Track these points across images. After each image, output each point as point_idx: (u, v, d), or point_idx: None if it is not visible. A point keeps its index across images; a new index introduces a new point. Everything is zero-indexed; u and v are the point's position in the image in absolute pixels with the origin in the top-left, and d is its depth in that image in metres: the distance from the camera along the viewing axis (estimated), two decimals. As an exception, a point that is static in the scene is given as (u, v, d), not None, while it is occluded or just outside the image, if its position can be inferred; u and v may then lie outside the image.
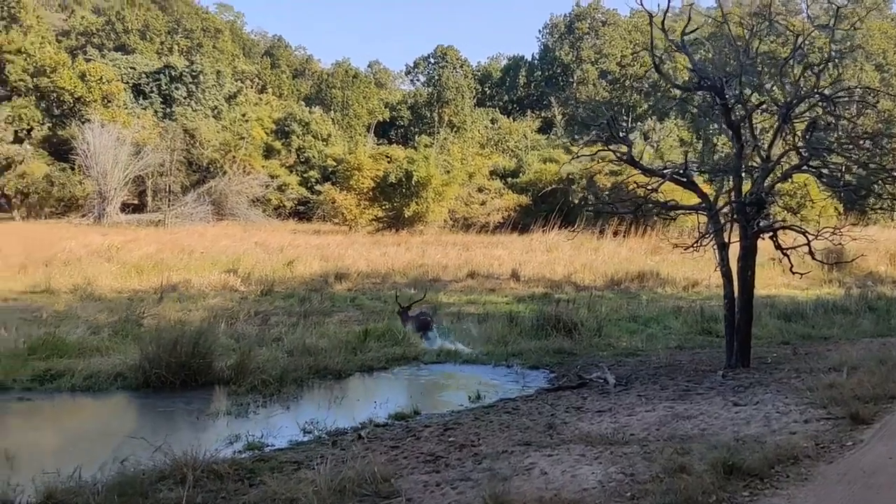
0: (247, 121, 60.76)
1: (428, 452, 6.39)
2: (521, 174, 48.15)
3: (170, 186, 53.34)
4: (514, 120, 65.09)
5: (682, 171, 9.85)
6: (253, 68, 79.94)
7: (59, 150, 55.73)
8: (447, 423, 7.48)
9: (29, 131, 56.19)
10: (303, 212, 53.47)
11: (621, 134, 10.32)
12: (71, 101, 57.26)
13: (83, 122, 53.26)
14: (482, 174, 48.45)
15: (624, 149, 10.03)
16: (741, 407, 7.49)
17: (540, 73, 70.38)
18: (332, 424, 7.55)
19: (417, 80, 74.42)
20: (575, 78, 67.13)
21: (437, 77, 67.04)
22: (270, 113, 63.39)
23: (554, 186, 43.50)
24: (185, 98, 62.99)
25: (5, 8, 60.33)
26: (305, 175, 55.33)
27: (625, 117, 55.58)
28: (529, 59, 72.41)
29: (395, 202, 42.38)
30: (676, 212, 10.71)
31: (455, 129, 60.60)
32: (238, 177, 52.95)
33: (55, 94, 57.22)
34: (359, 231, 42.23)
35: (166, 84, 63.63)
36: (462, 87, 63.86)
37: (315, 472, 5.59)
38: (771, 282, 20.61)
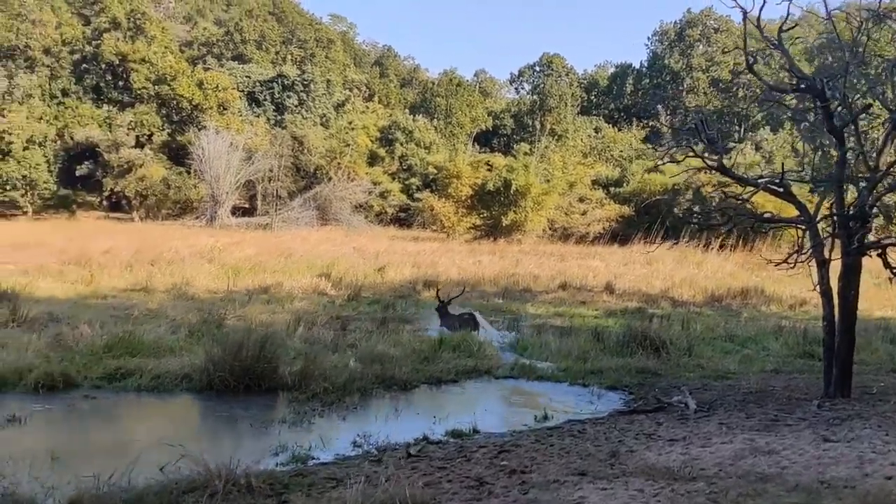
0: (353, 129, 61.85)
1: (475, 476, 5.97)
2: (624, 184, 46.91)
3: (277, 191, 54.84)
4: (619, 129, 63.65)
5: (778, 181, 9.04)
6: (362, 77, 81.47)
7: (177, 155, 58.31)
8: (504, 445, 7.03)
9: (149, 136, 58.96)
10: (403, 218, 53.88)
11: (722, 141, 9.55)
12: (189, 107, 59.78)
13: (199, 129, 55.51)
14: (584, 183, 47.45)
15: (713, 156, 9.30)
16: (832, 443, 6.70)
17: (648, 80, 68.58)
18: (385, 439, 7.24)
19: (522, 88, 73.98)
20: (685, 86, 65.08)
21: (541, 85, 66.38)
22: (376, 121, 64.34)
23: (658, 197, 42.09)
24: (296, 106, 64.79)
25: (132, 19, 63.51)
26: (407, 182, 55.80)
27: (737, 127, 53.43)
28: (637, 66, 70.72)
29: (494, 210, 42.02)
30: (773, 224, 9.87)
31: (557, 137, 59.75)
32: (342, 183, 53.96)
33: (175, 101, 59.87)
34: (456, 239, 42.12)
35: (279, 92, 65.60)
36: (565, 95, 62.92)
37: (348, 492, 5.26)
38: (888, 303, 19.12)
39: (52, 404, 8.26)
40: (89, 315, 14.34)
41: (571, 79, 69.09)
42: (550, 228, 45.34)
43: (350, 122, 62.89)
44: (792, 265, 8.86)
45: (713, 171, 9.51)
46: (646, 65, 69.66)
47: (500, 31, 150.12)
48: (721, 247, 33.90)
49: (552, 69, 68.25)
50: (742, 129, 53.15)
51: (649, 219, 39.95)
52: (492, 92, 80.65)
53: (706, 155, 9.26)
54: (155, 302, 16.90)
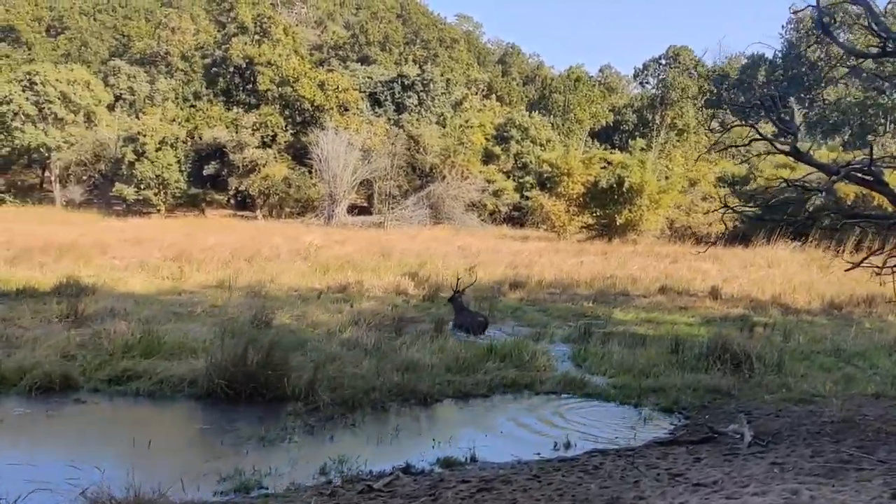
0: (470, 126, 61.14)
1: (426, 523, 4.93)
2: (751, 181, 43.83)
3: (389, 190, 54.98)
4: (748, 124, 59.62)
5: (866, 167, 7.45)
6: (485, 76, 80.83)
7: (299, 155, 59.45)
8: (492, 481, 5.93)
9: (273, 137, 60.44)
10: (516, 217, 52.71)
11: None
12: (310, 108, 60.88)
13: (321, 129, 56.36)
14: (707, 181, 44.72)
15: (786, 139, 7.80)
16: (902, 503, 5.20)
17: (782, 72, 64.08)
18: (362, 466, 6.30)
19: (647, 82, 71.00)
20: (823, 77, 60.38)
21: (665, 79, 63.38)
22: (493, 119, 63.41)
23: (787, 195, 38.91)
24: (415, 106, 64.86)
25: (258, 24, 65.38)
26: (521, 180, 54.57)
27: (881, 120, 48.86)
28: (771, 57, 66.34)
29: (607, 209, 40.18)
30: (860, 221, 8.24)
31: (678, 132, 56.69)
32: (456, 181, 53.42)
33: (297, 102, 61.11)
34: (567, 238, 40.64)
35: (399, 92, 65.79)
36: (688, 88, 59.62)
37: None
38: None
39: (34, 408, 7.83)
40: (149, 311, 14.22)
41: (700, 71, 65.59)
42: (669, 228, 43.07)
43: (466, 121, 62.24)
44: (879, 270, 7.25)
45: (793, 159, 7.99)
46: (780, 55, 65.19)
47: (628, 26, 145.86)
48: (856, 248, 30.84)
49: (678, 62, 65.06)
50: (887, 122, 48.53)
51: (777, 218, 36.95)
52: (617, 87, 77.98)
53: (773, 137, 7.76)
54: (225, 299, 16.65)
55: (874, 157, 7.48)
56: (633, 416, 8.52)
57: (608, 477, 6.06)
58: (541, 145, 56.44)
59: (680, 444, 7.20)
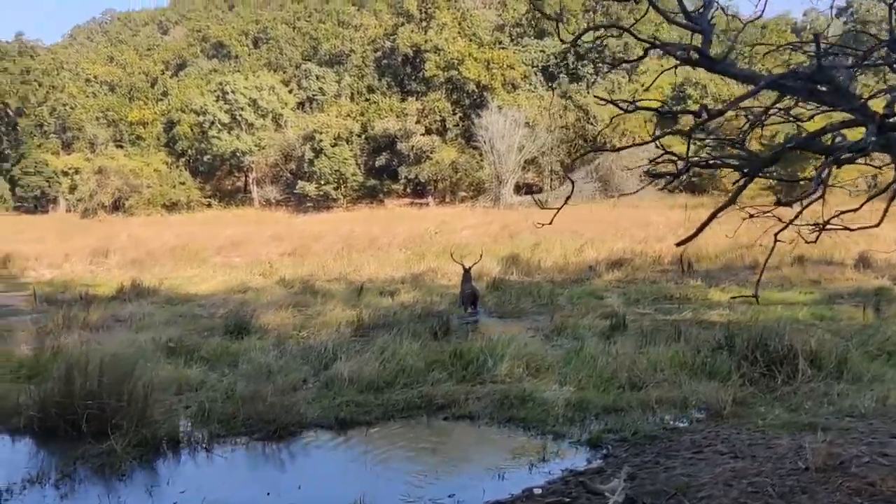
0: (647, 90, 56.70)
1: None
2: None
3: (551, 166, 52.42)
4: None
5: (813, 72, 4.60)
6: (674, 34, 75.24)
7: (468, 138, 58.38)
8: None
9: (442, 122, 59.81)
10: (697, 184, 48.05)
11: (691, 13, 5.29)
12: (476, 90, 59.50)
13: (486, 109, 54.88)
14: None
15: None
16: None
17: None
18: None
19: (852, 20, 62.08)
20: None
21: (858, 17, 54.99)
22: (673, 78, 58.46)
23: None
24: (591, 75, 61.55)
25: (423, 10, 64.85)
26: (702, 143, 49.58)
27: None
28: None
29: (788, 166, 35.10)
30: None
31: (876, 71, 48.79)
32: (627, 151, 49.67)
33: (464, 85, 59.94)
34: (742, 203, 36.08)
35: (573, 63, 62.72)
36: (880, 22, 51.10)
37: None
38: None
39: None
40: (164, 317, 13.45)
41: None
42: (869, 185, 37.04)
43: (642, 84, 57.82)
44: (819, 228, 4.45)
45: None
46: None
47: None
48: None
49: (886, -9, 56.18)
50: None
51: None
52: (822, 31, 69.12)
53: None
54: (266, 296, 15.65)
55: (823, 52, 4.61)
56: (534, 452, 6.10)
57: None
58: (722, 102, 50.99)
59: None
